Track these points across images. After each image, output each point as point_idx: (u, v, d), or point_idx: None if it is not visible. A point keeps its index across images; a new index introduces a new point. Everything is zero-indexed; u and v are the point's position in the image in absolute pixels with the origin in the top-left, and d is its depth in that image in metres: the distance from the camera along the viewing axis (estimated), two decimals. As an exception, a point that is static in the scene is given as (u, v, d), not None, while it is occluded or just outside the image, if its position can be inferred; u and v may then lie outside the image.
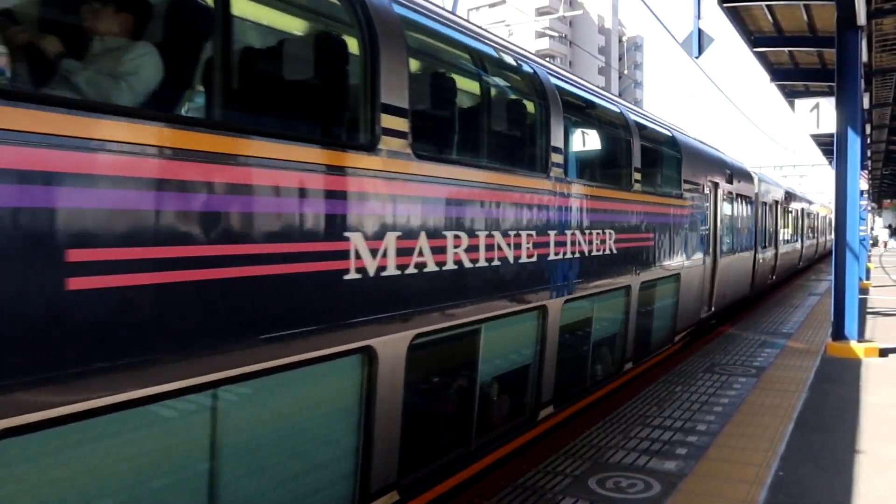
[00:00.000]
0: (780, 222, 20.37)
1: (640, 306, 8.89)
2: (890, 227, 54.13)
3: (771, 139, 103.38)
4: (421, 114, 4.89)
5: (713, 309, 12.62)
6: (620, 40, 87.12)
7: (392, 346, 4.31)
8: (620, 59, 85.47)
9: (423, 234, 4.52)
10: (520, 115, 6.70)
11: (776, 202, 19.67)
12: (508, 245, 5.58)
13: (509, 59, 6.43)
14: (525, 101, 6.89)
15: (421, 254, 4.50)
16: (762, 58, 15.59)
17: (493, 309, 5.50)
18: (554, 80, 6.76)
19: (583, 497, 4.99)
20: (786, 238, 22.03)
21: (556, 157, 6.41)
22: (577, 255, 6.81)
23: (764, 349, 10.69)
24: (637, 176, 8.54)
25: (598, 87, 8.81)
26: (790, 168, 58.12)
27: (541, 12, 65.50)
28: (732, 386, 8.27)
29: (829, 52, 13.58)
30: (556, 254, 6.39)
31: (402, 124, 4.30)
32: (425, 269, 4.56)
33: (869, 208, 31.25)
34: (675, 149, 10.59)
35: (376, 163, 4.12)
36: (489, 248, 5.30)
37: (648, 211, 8.93)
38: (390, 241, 4.22)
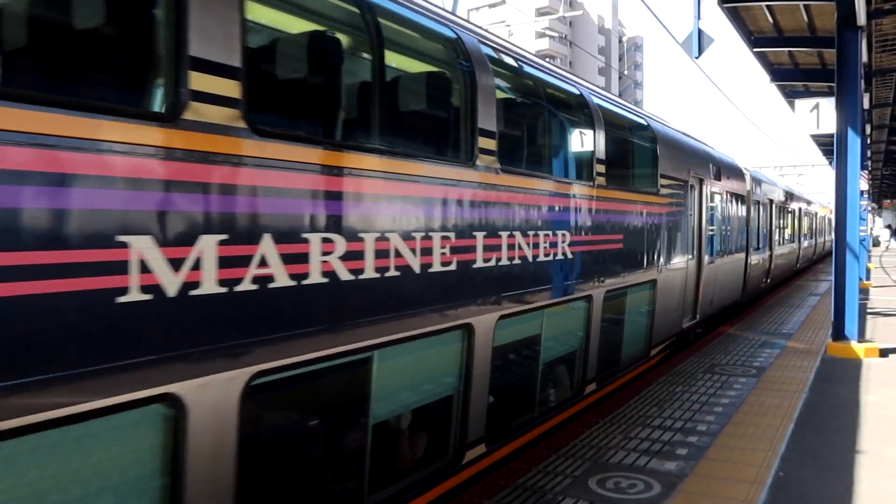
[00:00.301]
0: (774, 222, 19.64)
1: (604, 319, 7.69)
2: (889, 227, 54.22)
3: (771, 139, 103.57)
4: (269, 77, 3.95)
5: (698, 317, 11.66)
6: (620, 41, 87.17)
7: (212, 391, 3.16)
8: (620, 59, 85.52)
9: (267, 238, 3.40)
10: (433, 87, 5.36)
11: (770, 201, 18.96)
12: (412, 251, 4.46)
13: (420, 19, 5.18)
14: (441, 71, 5.66)
15: (264, 264, 3.38)
16: (762, 58, 15.61)
17: (389, 332, 4.34)
18: (486, 49, 5.64)
19: (583, 497, 4.99)
20: (781, 239, 21.40)
21: (486, 143, 5.28)
22: (517, 261, 5.70)
23: (764, 349, 10.68)
24: (600, 168, 7.35)
25: (552, 64, 7.72)
26: (790, 168, 58.18)
27: (541, 13, 65.54)
28: (733, 386, 8.27)
29: (829, 52, 13.60)
30: (487, 261, 5.29)
31: (226, 87, 3.21)
32: (272, 285, 3.44)
33: (869, 208, 31.26)
34: (650, 139, 9.42)
35: (176, 138, 2.98)
36: (381, 254, 4.19)
37: (615, 209, 7.80)
38: (206, 246, 3.09)
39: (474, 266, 5.16)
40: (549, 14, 61.23)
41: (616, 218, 7.80)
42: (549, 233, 6.24)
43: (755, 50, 14.59)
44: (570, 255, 6.63)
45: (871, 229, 40.30)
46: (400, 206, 4.42)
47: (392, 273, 4.30)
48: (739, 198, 14.81)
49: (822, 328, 12.55)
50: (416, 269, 4.52)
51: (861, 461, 5.74)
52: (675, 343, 11.04)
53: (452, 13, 5.94)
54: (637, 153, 9.38)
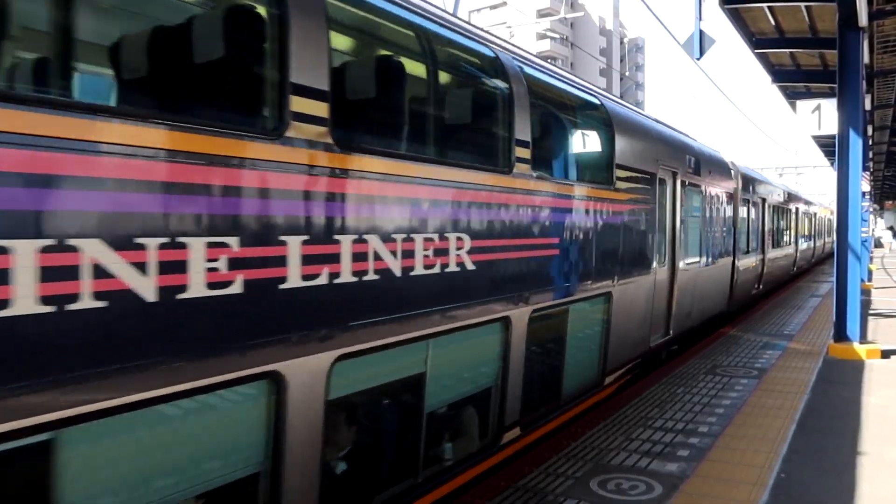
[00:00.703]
0: (768, 224, 18.23)
1: (532, 346, 6.07)
2: (891, 228, 54.34)
3: (772, 140, 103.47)
4: None
5: (671, 333, 9.96)
6: (622, 42, 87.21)
7: None
8: (622, 60, 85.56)
9: None
10: (199, 21, 3.75)
11: (763, 200, 17.56)
12: (138, 267, 2.82)
13: None
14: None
15: None
16: (763, 59, 15.62)
17: (93, 397, 2.70)
18: None
19: (584, 499, 4.99)
20: (776, 241, 20.15)
21: (308, 106, 3.65)
22: (373, 277, 4.12)
23: (766, 351, 10.67)
24: (522, 152, 5.74)
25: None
26: (791, 168, 58.40)
27: (542, 14, 65.66)
28: (734, 387, 8.26)
29: (830, 53, 13.60)
30: (312, 277, 3.69)
31: None
32: None
33: (870, 210, 31.25)
34: (602, 121, 7.71)
35: None
36: (61, 274, 2.56)
37: (547, 205, 6.19)
38: None
39: (284, 286, 3.53)
40: (551, 15, 61.29)
41: (548, 217, 6.19)
42: (433, 236, 4.68)
43: (756, 51, 14.59)
44: (470, 267, 5.08)
45: (873, 230, 40.34)
46: (114, 197, 2.77)
47: (89, 303, 2.65)
48: (726, 196, 13.41)
49: (823, 329, 12.54)
50: (150, 295, 2.87)
51: (862, 462, 5.73)
52: (643, 365, 9.42)
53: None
54: (583, 137, 7.50)
